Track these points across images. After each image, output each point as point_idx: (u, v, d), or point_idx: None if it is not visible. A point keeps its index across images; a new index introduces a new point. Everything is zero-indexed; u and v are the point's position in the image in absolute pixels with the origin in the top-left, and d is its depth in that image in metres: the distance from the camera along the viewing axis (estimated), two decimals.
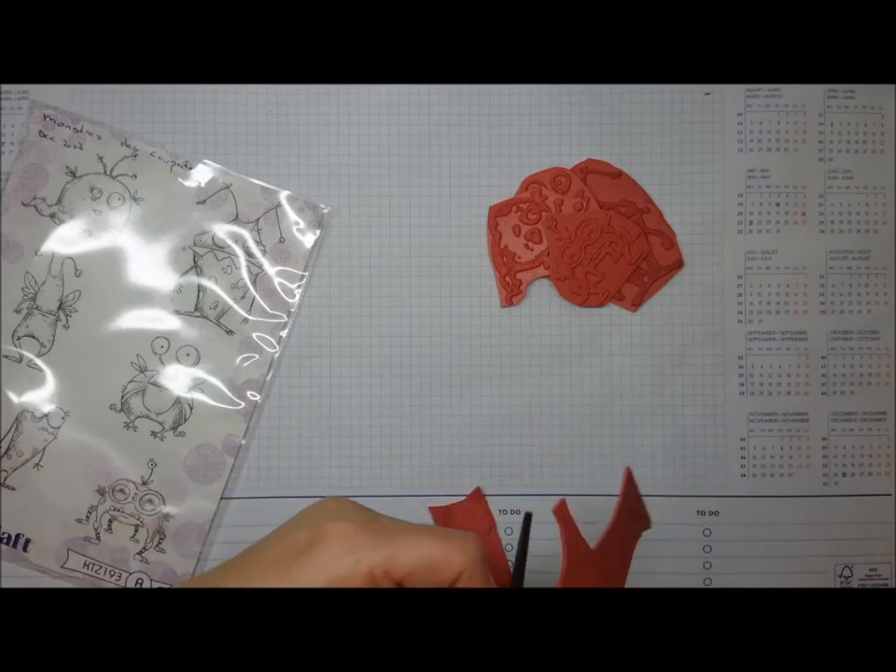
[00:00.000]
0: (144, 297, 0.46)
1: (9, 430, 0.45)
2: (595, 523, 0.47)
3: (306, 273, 0.46)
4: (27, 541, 0.45)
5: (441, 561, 0.30)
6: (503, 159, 0.47)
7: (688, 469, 0.46)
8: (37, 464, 0.45)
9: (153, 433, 0.45)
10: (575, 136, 0.47)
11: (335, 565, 0.29)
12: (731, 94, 0.47)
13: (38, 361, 0.45)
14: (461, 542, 0.30)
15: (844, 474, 0.47)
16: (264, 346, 0.46)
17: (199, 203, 0.46)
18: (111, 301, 0.46)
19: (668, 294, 0.47)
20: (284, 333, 0.46)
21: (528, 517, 0.33)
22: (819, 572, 0.46)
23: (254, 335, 0.46)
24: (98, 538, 0.45)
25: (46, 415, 0.45)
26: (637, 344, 0.47)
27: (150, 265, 0.46)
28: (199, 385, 0.46)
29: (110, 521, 0.45)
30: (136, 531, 0.45)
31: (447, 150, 0.47)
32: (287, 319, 0.46)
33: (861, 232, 0.47)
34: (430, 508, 0.46)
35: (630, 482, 0.34)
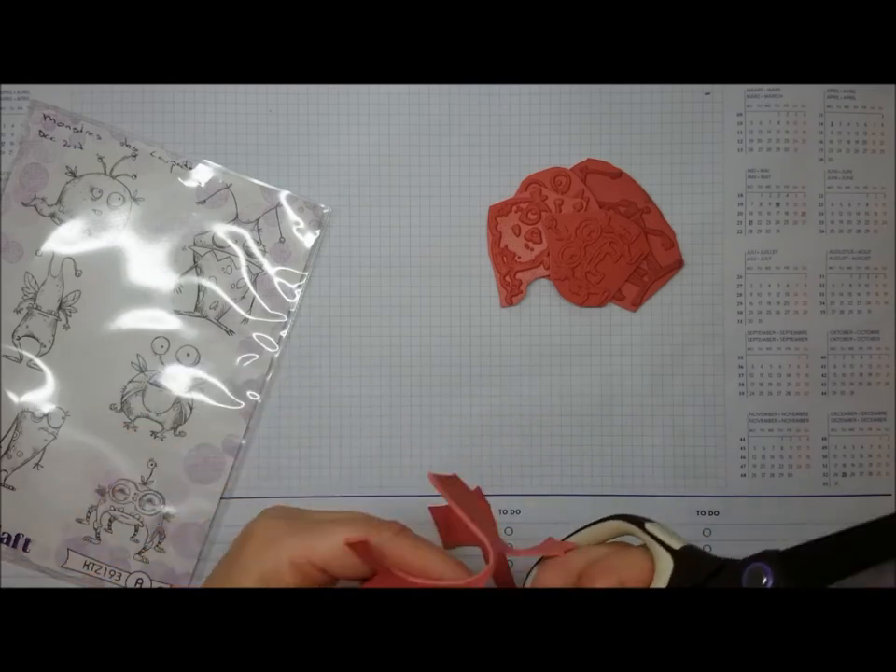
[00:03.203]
0: (144, 297, 0.46)
1: (9, 430, 0.45)
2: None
3: (306, 273, 0.46)
4: (27, 541, 0.45)
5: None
6: (503, 159, 0.47)
7: (688, 468, 0.46)
8: (37, 464, 0.45)
9: (153, 433, 0.45)
10: (575, 136, 0.47)
11: (260, 560, 0.31)
12: (731, 94, 0.47)
13: (38, 361, 0.45)
14: (378, 522, 0.32)
15: (844, 474, 0.46)
16: (264, 346, 0.46)
17: (199, 202, 0.46)
18: (111, 301, 0.46)
19: (668, 294, 0.47)
20: (284, 333, 0.46)
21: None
22: None
23: (254, 335, 0.46)
24: (98, 538, 0.45)
25: (46, 415, 0.45)
26: (637, 344, 0.47)
27: (150, 265, 0.46)
28: (199, 385, 0.46)
29: (110, 521, 0.45)
30: (136, 531, 0.45)
31: (447, 150, 0.47)
32: (287, 319, 0.46)
33: (861, 232, 0.47)
34: (430, 508, 0.46)
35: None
